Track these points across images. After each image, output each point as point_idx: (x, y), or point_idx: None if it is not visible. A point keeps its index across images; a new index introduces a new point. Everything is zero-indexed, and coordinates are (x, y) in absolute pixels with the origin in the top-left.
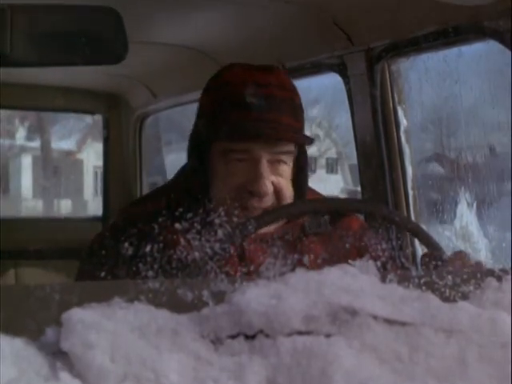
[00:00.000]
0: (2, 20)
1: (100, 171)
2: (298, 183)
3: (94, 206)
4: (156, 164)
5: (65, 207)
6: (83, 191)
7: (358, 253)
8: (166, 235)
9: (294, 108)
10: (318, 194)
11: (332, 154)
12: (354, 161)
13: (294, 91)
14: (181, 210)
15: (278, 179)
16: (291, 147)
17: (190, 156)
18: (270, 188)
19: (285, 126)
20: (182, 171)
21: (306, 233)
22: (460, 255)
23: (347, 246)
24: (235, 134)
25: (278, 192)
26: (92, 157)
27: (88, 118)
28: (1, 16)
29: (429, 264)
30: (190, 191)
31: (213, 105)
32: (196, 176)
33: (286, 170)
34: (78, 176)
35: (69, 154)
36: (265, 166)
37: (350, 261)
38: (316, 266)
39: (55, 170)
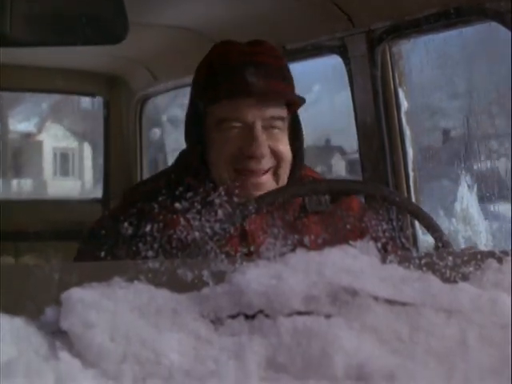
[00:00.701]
0: (1, 0)
1: (59, 152)
2: (294, 151)
3: (53, 186)
4: (156, 146)
5: (24, 187)
6: (43, 172)
7: (359, 233)
8: (165, 215)
9: (283, 73)
10: (316, 172)
11: None
12: None
13: (282, 59)
14: (180, 189)
15: (274, 143)
16: (283, 112)
17: (186, 135)
18: (266, 150)
19: (274, 87)
20: (181, 154)
21: (307, 211)
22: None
23: (347, 226)
24: (227, 95)
25: (276, 155)
26: (51, 138)
27: (48, 100)
28: None
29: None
30: (189, 170)
31: (205, 74)
32: (194, 153)
33: (281, 135)
34: (37, 157)
35: (28, 136)
36: (259, 130)
37: (350, 241)
38: (316, 246)
39: (15, 152)
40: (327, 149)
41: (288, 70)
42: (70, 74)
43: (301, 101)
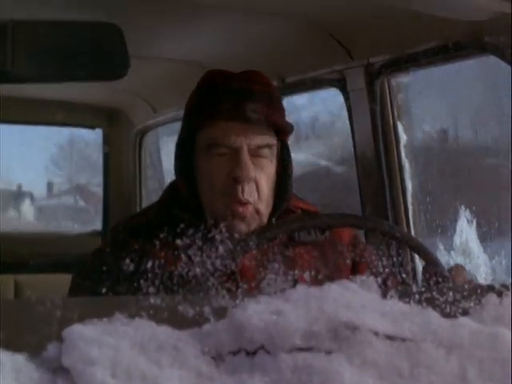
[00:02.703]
0: (3, 36)
1: None
2: (282, 179)
3: None
4: (156, 178)
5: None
6: None
7: (352, 263)
8: (155, 250)
9: (272, 99)
10: (305, 202)
11: None
12: None
13: (271, 86)
14: (172, 223)
15: (258, 172)
16: (272, 140)
17: (176, 166)
18: (252, 173)
19: (262, 112)
20: (170, 186)
21: (295, 242)
22: (459, 269)
23: (338, 257)
24: (213, 118)
25: (257, 185)
26: None
27: None
28: (2, 32)
29: (430, 279)
30: (177, 201)
31: (194, 101)
32: (182, 183)
33: (267, 165)
34: None
35: None
36: (246, 154)
37: (344, 273)
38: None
39: None
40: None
41: (278, 97)
42: (69, 107)
43: (290, 128)
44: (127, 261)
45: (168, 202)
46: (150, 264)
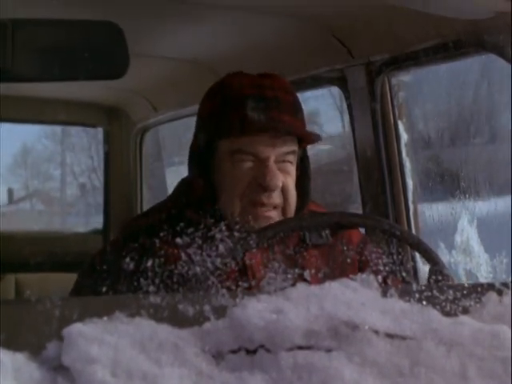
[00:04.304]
0: (3, 35)
1: None
2: (302, 186)
3: None
4: (157, 177)
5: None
6: None
7: (359, 266)
8: (166, 250)
9: (296, 108)
10: (319, 205)
11: None
12: None
13: (294, 94)
14: (181, 224)
15: (285, 177)
16: (295, 147)
17: (191, 167)
18: (280, 182)
19: (288, 123)
20: (182, 185)
21: (306, 245)
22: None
23: (347, 259)
24: (242, 131)
25: (284, 190)
26: None
27: None
28: (2, 31)
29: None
30: (190, 202)
31: (219, 106)
32: (198, 185)
33: (292, 169)
34: None
35: None
36: (273, 164)
37: (350, 275)
38: (316, 279)
39: None
40: None
41: (300, 105)
42: (70, 106)
43: (316, 139)
44: (140, 260)
45: (180, 202)
46: (164, 264)
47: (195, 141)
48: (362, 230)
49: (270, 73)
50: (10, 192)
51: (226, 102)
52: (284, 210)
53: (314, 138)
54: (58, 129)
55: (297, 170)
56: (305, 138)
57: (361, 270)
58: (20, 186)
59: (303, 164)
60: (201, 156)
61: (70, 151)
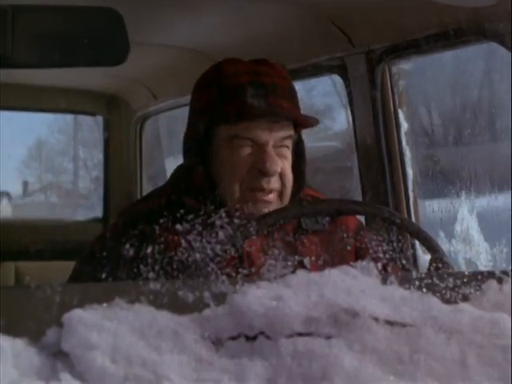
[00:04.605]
0: (3, 21)
1: None
2: (298, 170)
3: None
4: (156, 165)
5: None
6: None
7: (357, 252)
8: (166, 236)
9: (292, 93)
10: (317, 191)
11: None
12: None
13: (289, 79)
14: (181, 211)
15: (282, 162)
16: (292, 131)
17: (187, 154)
18: (278, 167)
19: (285, 108)
20: (179, 171)
21: (304, 231)
22: None
23: (345, 245)
24: (239, 118)
25: (282, 175)
26: None
27: None
28: (2, 17)
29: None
30: (189, 190)
31: (215, 95)
32: (197, 172)
33: (289, 154)
34: None
35: None
36: (271, 148)
37: (349, 261)
38: (316, 266)
39: None
40: None
41: (295, 90)
42: (70, 94)
43: (314, 122)
44: (140, 247)
45: (179, 188)
46: (164, 250)
47: (190, 129)
48: (362, 218)
49: (264, 59)
50: (25, 184)
51: (223, 91)
52: (281, 194)
53: (312, 122)
54: (70, 122)
55: (292, 154)
56: (303, 123)
57: (358, 256)
58: (35, 178)
59: (298, 148)
60: (198, 144)
61: (83, 145)
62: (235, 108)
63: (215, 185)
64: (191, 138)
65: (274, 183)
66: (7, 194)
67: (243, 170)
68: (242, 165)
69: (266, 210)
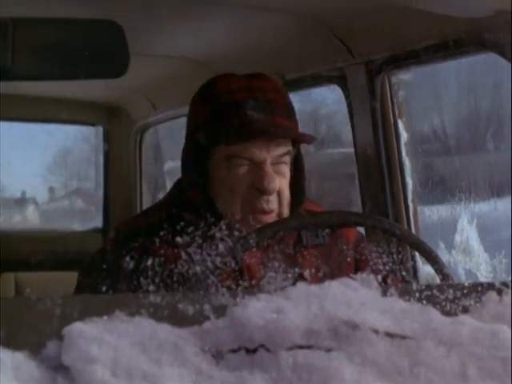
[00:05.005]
0: (3, 33)
1: None
2: (297, 185)
3: None
4: (156, 175)
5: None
6: None
7: (356, 264)
8: (166, 249)
9: (289, 109)
10: (317, 205)
11: None
12: None
13: (284, 93)
14: (181, 224)
15: (280, 180)
16: (290, 147)
17: (185, 170)
18: (276, 185)
19: (283, 126)
20: (178, 184)
21: (303, 244)
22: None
23: (347, 258)
24: (238, 136)
25: (280, 193)
26: None
27: None
28: (3, 29)
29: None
30: (188, 206)
31: (211, 114)
32: (195, 189)
33: (287, 170)
34: None
35: None
36: (269, 166)
37: (349, 273)
38: (316, 279)
39: None
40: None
41: (291, 104)
42: (69, 104)
43: (310, 140)
44: (140, 259)
45: (178, 203)
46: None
47: (188, 147)
48: (362, 230)
49: (258, 73)
50: (51, 190)
51: (218, 109)
52: (279, 215)
53: (309, 140)
54: (92, 132)
55: (291, 169)
56: (300, 140)
57: (358, 268)
58: (60, 185)
59: (297, 163)
60: (195, 162)
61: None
62: (231, 129)
63: (214, 202)
64: (189, 156)
65: (273, 203)
66: (33, 201)
67: (242, 189)
68: (240, 184)
69: None
